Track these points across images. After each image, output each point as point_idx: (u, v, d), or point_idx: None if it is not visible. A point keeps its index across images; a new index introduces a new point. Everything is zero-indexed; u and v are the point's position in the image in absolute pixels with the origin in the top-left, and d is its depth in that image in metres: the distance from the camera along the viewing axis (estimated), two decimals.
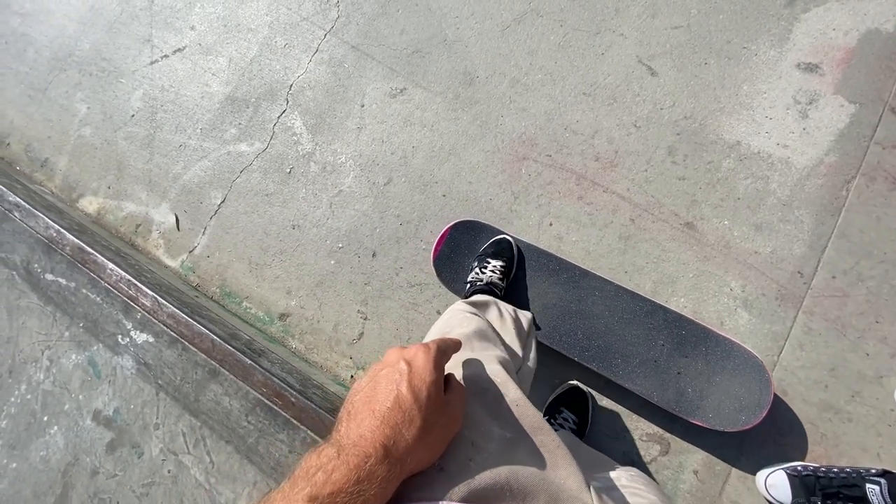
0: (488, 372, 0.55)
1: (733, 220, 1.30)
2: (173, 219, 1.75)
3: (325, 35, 1.78)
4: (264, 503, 0.33)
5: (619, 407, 1.26)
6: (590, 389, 1.27)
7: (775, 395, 1.18)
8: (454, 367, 0.56)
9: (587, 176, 1.42)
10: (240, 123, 1.78)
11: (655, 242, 1.33)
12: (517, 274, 1.30)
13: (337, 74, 1.73)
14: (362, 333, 1.50)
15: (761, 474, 1.13)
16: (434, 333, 0.72)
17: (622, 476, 0.66)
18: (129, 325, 1.14)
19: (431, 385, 0.40)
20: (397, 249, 1.53)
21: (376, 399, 0.38)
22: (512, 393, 0.52)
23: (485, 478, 0.42)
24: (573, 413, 1.21)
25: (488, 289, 1.20)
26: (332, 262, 1.56)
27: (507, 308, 0.91)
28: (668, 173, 1.37)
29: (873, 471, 1.02)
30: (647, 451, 1.22)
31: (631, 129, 1.42)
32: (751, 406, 1.10)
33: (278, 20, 1.85)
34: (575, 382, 1.28)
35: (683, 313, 1.21)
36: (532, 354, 0.86)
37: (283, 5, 1.86)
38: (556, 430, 1.12)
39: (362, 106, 1.67)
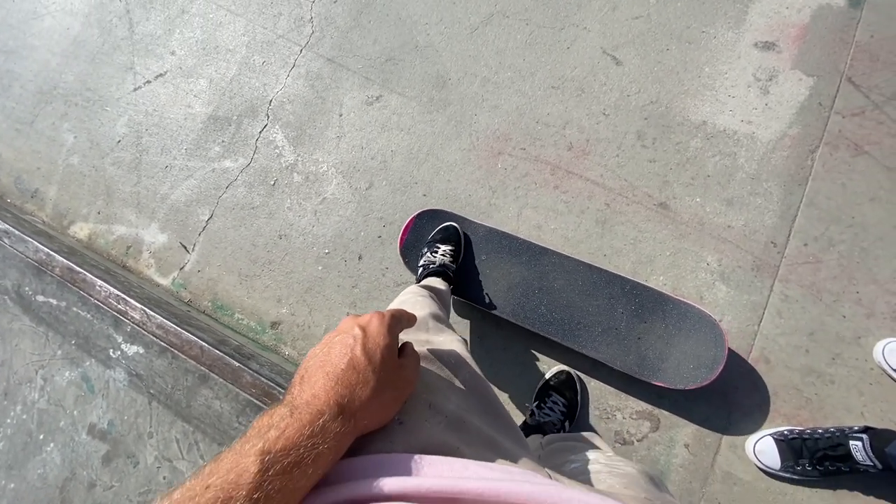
0: (446, 349, 0.57)
1: (705, 197, 1.34)
2: (163, 238, 1.78)
3: (301, 50, 1.83)
4: (215, 461, 0.32)
5: (608, 387, 1.28)
6: (578, 373, 1.29)
7: (759, 363, 1.20)
8: (417, 342, 0.57)
9: (561, 165, 1.46)
10: (223, 141, 1.82)
11: (631, 224, 1.36)
12: (481, 258, 1.34)
13: (314, 87, 1.78)
14: None
15: (750, 441, 1.14)
16: None
17: (601, 456, 0.68)
18: (120, 339, 1.16)
19: (385, 348, 0.40)
20: (382, 251, 1.55)
21: (330, 362, 0.39)
22: (463, 373, 0.55)
23: (437, 435, 0.44)
24: (562, 396, 1.23)
25: (442, 270, 1.24)
26: (320, 268, 1.59)
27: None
28: (638, 157, 1.40)
29: (856, 428, 1.03)
30: (638, 428, 1.24)
31: (600, 117, 1.46)
32: (708, 363, 1.14)
33: (255, 39, 1.91)
34: (563, 367, 1.30)
35: (646, 283, 1.24)
36: None
37: (259, 25, 1.92)
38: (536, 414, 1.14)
39: (340, 115, 1.72)
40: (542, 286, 1.29)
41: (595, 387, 1.29)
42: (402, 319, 0.46)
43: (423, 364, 0.52)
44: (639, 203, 1.37)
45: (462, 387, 0.54)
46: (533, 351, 1.34)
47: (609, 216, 1.39)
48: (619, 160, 1.42)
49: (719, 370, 1.12)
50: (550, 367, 1.32)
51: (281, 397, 0.37)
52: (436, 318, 0.70)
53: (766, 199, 1.30)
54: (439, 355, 0.57)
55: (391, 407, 0.41)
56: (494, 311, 1.29)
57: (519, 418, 1.30)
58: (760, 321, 1.23)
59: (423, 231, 1.41)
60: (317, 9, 1.86)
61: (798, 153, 1.31)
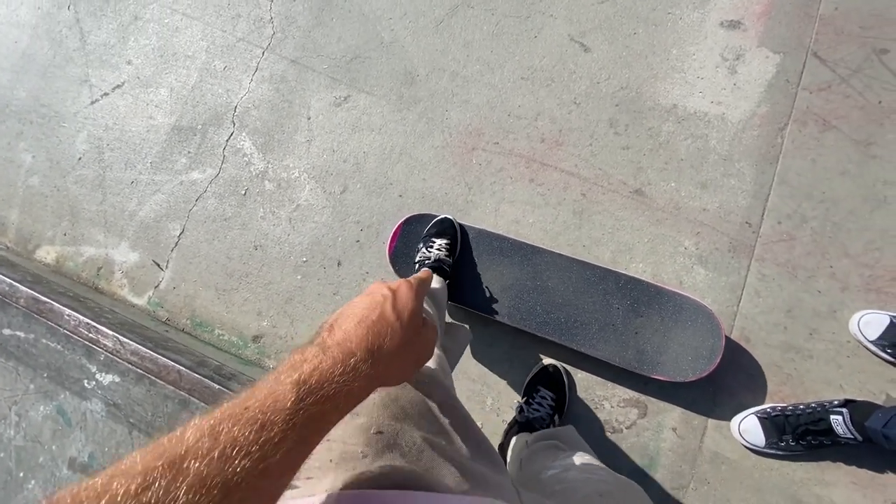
0: (425, 371, 0.57)
1: (679, 181, 1.34)
2: (134, 257, 1.73)
3: (263, 52, 1.77)
4: (250, 390, 0.32)
5: (595, 378, 1.29)
6: (564, 365, 1.29)
7: (740, 342, 1.22)
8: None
9: (535, 158, 1.44)
10: (189, 152, 1.76)
11: (608, 213, 1.36)
12: (473, 261, 1.32)
13: (280, 90, 1.72)
14: None
15: (734, 421, 1.16)
16: None
17: (580, 460, 0.68)
18: (94, 368, 1.13)
19: (412, 311, 0.43)
20: (361, 255, 1.53)
21: (362, 313, 0.41)
22: (437, 395, 0.54)
23: (402, 465, 0.44)
24: (550, 391, 1.23)
25: (437, 265, 1.22)
26: (299, 277, 1.56)
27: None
28: (612, 144, 1.40)
29: (836, 402, 1.06)
30: (626, 416, 1.25)
31: (571, 106, 1.45)
32: (706, 354, 1.14)
33: (214, 44, 1.84)
34: (549, 360, 1.30)
35: (636, 275, 1.24)
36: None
37: (217, 28, 1.85)
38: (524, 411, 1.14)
39: (309, 118, 1.67)
40: (537, 286, 1.27)
41: (582, 377, 1.30)
42: (426, 283, 0.48)
43: (393, 388, 0.52)
44: (614, 191, 1.37)
45: (436, 409, 0.54)
46: (520, 345, 1.34)
47: (586, 206, 1.38)
48: (592, 149, 1.41)
49: (718, 360, 1.13)
50: (538, 361, 1.32)
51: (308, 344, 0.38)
52: None
53: (739, 180, 1.30)
54: (416, 378, 0.57)
55: (410, 367, 0.44)
56: (492, 316, 1.28)
57: (509, 415, 1.31)
58: (739, 301, 1.24)
59: (411, 238, 1.39)
60: (276, 8, 1.80)
61: (768, 132, 1.31)
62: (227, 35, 1.83)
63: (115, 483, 0.24)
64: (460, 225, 1.35)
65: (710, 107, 1.36)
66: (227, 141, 1.73)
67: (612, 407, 1.26)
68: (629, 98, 1.41)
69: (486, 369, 1.35)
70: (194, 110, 1.80)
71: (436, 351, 0.66)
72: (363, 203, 1.56)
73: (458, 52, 1.58)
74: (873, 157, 1.24)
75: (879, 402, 1.10)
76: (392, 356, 0.39)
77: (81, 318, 1.16)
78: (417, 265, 1.26)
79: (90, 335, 1.14)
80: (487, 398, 1.33)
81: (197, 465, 0.26)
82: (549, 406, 1.21)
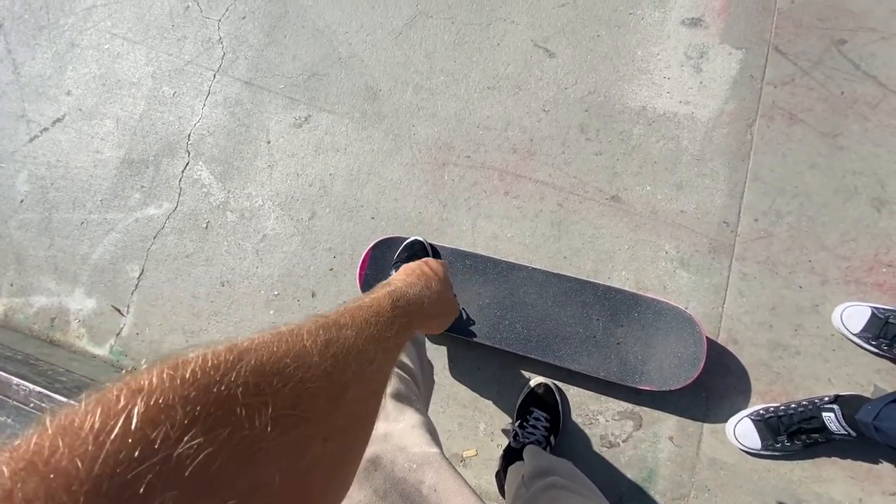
0: (402, 457, 0.53)
1: (654, 184, 1.32)
2: (91, 304, 1.61)
3: (215, 75, 1.68)
4: (348, 303, 0.38)
5: (587, 392, 1.26)
6: (555, 383, 1.26)
7: (727, 345, 1.21)
8: (373, 440, 0.53)
9: (508, 169, 1.40)
10: (142, 186, 1.65)
11: (587, 222, 1.33)
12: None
13: (235, 114, 1.63)
14: None
15: (729, 425, 1.15)
16: None
17: (557, 481, 0.65)
18: None
19: (444, 273, 0.59)
20: (336, 283, 1.46)
21: (405, 273, 0.55)
22: (430, 478, 0.51)
23: None
24: (544, 411, 1.20)
25: None
26: (272, 312, 1.48)
27: None
28: (584, 151, 1.37)
29: (826, 398, 1.05)
30: (622, 429, 1.22)
31: (541, 114, 1.41)
32: (689, 359, 1.13)
33: (160, 69, 1.73)
34: (540, 379, 1.26)
35: (613, 284, 1.22)
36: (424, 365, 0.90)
37: (163, 52, 1.74)
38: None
39: (269, 142, 1.59)
40: (515, 303, 1.24)
41: (574, 393, 1.26)
42: (442, 263, 0.63)
43: (380, 481, 0.49)
44: (591, 199, 1.34)
45: (428, 494, 0.49)
46: (508, 365, 1.30)
47: (563, 216, 1.35)
48: (565, 157, 1.37)
49: (701, 365, 1.11)
50: (527, 380, 1.29)
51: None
52: (396, 396, 0.63)
53: (714, 179, 1.29)
54: (402, 459, 0.52)
55: (448, 311, 0.59)
56: (471, 338, 1.23)
57: (503, 438, 1.26)
58: (724, 303, 1.23)
59: (381, 263, 1.33)
60: (225, 28, 1.70)
61: (737, 129, 1.31)
62: (173, 59, 1.72)
63: (304, 330, 0.28)
64: (431, 245, 1.30)
65: (679, 107, 1.35)
66: (182, 172, 1.63)
67: (606, 421, 1.23)
68: (598, 102, 1.39)
69: (475, 393, 1.30)
70: (144, 141, 1.69)
71: (417, 418, 0.61)
72: (334, 228, 1.49)
73: (420, 64, 1.52)
74: (840, 149, 1.25)
75: (867, 393, 1.11)
76: (438, 295, 0.52)
77: (32, 386, 1.06)
78: None
79: (42, 405, 1.04)
80: (480, 423, 1.29)
81: (347, 332, 0.31)
82: (543, 428, 1.17)
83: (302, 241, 1.50)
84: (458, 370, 1.32)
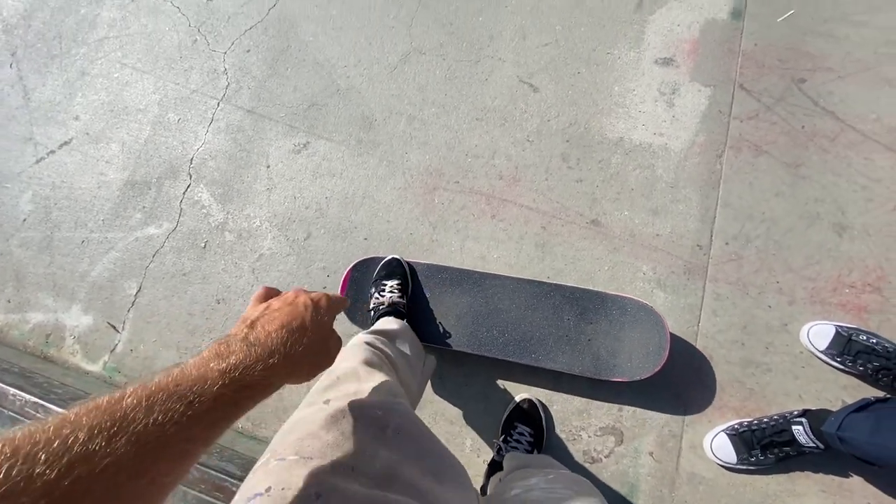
0: (369, 407, 0.59)
1: (632, 209, 1.40)
2: (87, 320, 1.64)
3: (219, 103, 1.77)
4: (180, 370, 0.36)
5: (569, 407, 1.30)
6: (539, 399, 1.30)
7: (702, 362, 1.26)
8: (340, 397, 0.60)
9: (495, 194, 1.48)
10: (144, 207, 1.72)
11: (569, 244, 1.41)
12: (425, 295, 1.34)
13: (237, 140, 1.72)
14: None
15: (706, 440, 1.19)
16: (324, 375, 0.74)
17: (541, 481, 0.69)
18: None
19: (326, 324, 0.49)
20: None
21: (284, 319, 0.45)
22: (394, 420, 0.57)
23: (361, 495, 0.46)
24: (528, 426, 1.23)
25: (393, 309, 1.22)
26: None
27: (406, 340, 1.03)
28: (566, 178, 1.45)
29: (795, 412, 1.10)
30: (604, 444, 1.26)
31: (525, 144, 1.50)
32: (655, 348, 1.20)
33: (167, 96, 1.82)
34: (524, 395, 1.30)
35: (578, 285, 1.31)
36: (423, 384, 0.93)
37: (170, 81, 1.83)
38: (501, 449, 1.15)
39: (268, 167, 1.67)
40: (490, 310, 1.30)
41: (558, 409, 1.30)
42: (341, 304, 0.54)
43: (347, 425, 0.54)
44: (572, 223, 1.42)
45: (393, 436, 0.56)
46: (494, 381, 1.34)
47: (547, 239, 1.42)
48: (548, 183, 1.46)
49: (666, 353, 1.18)
50: (513, 396, 1.33)
51: (232, 347, 0.42)
52: (367, 363, 0.73)
53: (687, 205, 1.38)
54: (369, 406, 0.59)
55: (315, 370, 0.48)
56: (451, 346, 1.28)
57: (490, 455, 1.29)
58: (699, 322, 1.30)
59: (362, 283, 1.38)
60: (230, 60, 1.81)
61: (707, 159, 1.40)
62: (180, 87, 1.82)
63: (64, 430, 0.28)
64: (408, 263, 1.37)
65: (654, 138, 1.44)
66: (183, 193, 1.70)
67: (589, 437, 1.27)
68: (578, 133, 1.49)
69: (462, 409, 1.34)
70: (148, 164, 1.76)
71: (386, 378, 0.69)
72: (328, 248, 1.55)
73: (413, 97, 1.62)
74: (803, 178, 1.34)
75: (835, 409, 1.16)
76: (303, 358, 0.44)
77: (28, 397, 1.08)
78: (372, 312, 1.25)
79: (37, 415, 1.06)
80: (467, 439, 1.32)
81: (135, 426, 0.30)
82: (527, 442, 1.21)
83: (297, 261, 1.56)
84: (445, 387, 1.36)
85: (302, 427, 0.54)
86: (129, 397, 0.32)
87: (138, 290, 1.63)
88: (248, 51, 1.80)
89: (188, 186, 1.70)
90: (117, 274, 1.66)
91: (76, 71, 1.94)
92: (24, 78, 1.99)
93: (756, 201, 1.35)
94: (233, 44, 1.82)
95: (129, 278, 1.65)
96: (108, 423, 0.29)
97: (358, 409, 0.57)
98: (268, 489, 0.45)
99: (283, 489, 0.45)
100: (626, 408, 1.28)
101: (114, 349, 1.60)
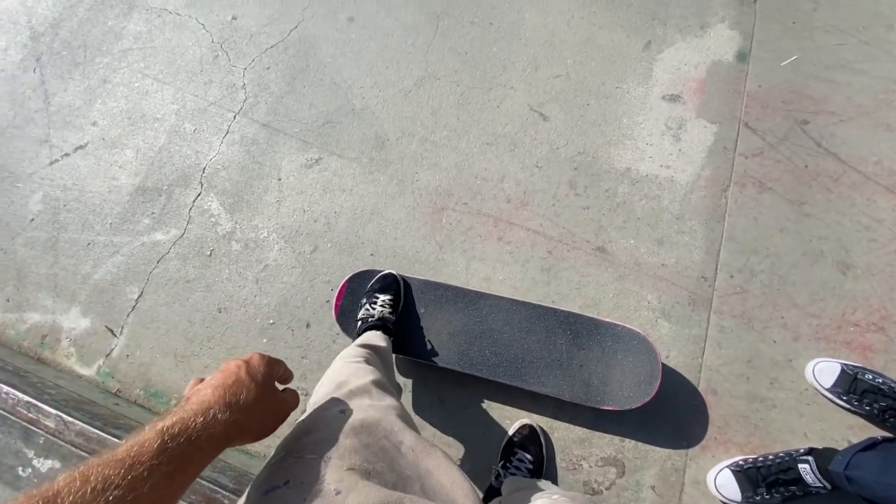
0: (385, 423, 0.60)
1: (637, 238, 1.41)
2: (85, 323, 1.62)
3: (235, 116, 1.81)
4: (121, 444, 0.37)
5: (570, 436, 1.27)
6: (540, 426, 1.28)
7: (707, 395, 1.25)
8: (358, 409, 0.62)
9: (503, 217, 1.50)
10: (153, 213, 1.73)
11: (574, 269, 1.41)
12: (418, 311, 1.33)
13: (251, 152, 1.75)
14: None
15: (710, 476, 1.16)
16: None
17: (542, 497, 0.68)
18: (31, 454, 1.01)
19: (265, 373, 0.49)
20: (332, 316, 1.50)
21: (217, 382, 0.46)
22: (409, 440, 0.58)
23: (376, 494, 0.46)
24: (527, 453, 1.21)
25: (381, 323, 1.22)
26: (265, 340, 1.50)
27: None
28: (573, 205, 1.47)
29: (802, 450, 1.08)
30: (605, 475, 1.23)
31: (534, 169, 1.53)
32: (647, 378, 1.19)
33: (185, 107, 1.86)
34: (525, 421, 1.28)
35: (573, 310, 1.31)
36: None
37: (189, 93, 1.88)
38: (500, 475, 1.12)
39: (279, 179, 1.69)
40: (483, 330, 1.30)
41: (559, 437, 1.28)
42: (280, 364, 0.54)
43: (366, 435, 0.56)
44: (578, 248, 1.43)
45: (408, 453, 0.57)
46: (495, 406, 1.32)
47: (552, 263, 1.43)
48: (555, 209, 1.48)
49: (657, 383, 1.17)
50: (513, 421, 1.30)
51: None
52: (378, 384, 0.74)
53: (692, 237, 1.39)
54: (386, 422, 0.60)
55: (270, 419, 0.49)
56: (437, 363, 1.27)
57: (486, 481, 1.26)
58: (703, 353, 1.29)
59: (358, 294, 1.38)
60: (249, 76, 1.86)
61: (713, 192, 1.43)
62: (198, 99, 1.86)
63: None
64: (403, 279, 1.37)
65: (660, 170, 1.47)
66: (193, 201, 1.71)
67: (590, 467, 1.24)
68: (586, 162, 1.52)
69: (461, 433, 1.31)
70: (160, 171, 1.78)
71: (397, 403, 0.71)
72: (334, 262, 1.55)
73: (426, 119, 1.66)
74: (807, 216, 1.36)
75: (841, 448, 1.14)
76: (250, 408, 0.45)
77: (21, 395, 1.06)
78: (360, 322, 1.25)
79: (29, 415, 1.03)
80: (465, 464, 1.29)
81: (70, 499, 0.30)
82: (526, 469, 1.18)
83: (302, 273, 1.56)
84: (445, 409, 1.34)
85: (320, 430, 0.55)
86: (61, 478, 0.32)
87: (140, 295, 1.62)
88: (268, 68, 1.85)
89: (199, 195, 1.72)
90: (120, 278, 1.66)
91: (98, 79, 1.99)
92: (46, 83, 2.03)
93: (761, 236, 1.36)
94: (253, 61, 1.88)
95: (131, 283, 1.64)
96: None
97: (375, 423, 0.59)
98: (286, 482, 0.46)
99: (301, 483, 0.46)
100: (629, 439, 1.25)
101: (109, 353, 1.58)
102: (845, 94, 1.48)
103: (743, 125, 1.49)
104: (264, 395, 0.47)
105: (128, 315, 1.61)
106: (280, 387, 0.53)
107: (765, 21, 1.59)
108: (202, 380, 0.49)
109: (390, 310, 1.27)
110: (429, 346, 1.30)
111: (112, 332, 1.60)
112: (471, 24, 1.77)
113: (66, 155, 1.89)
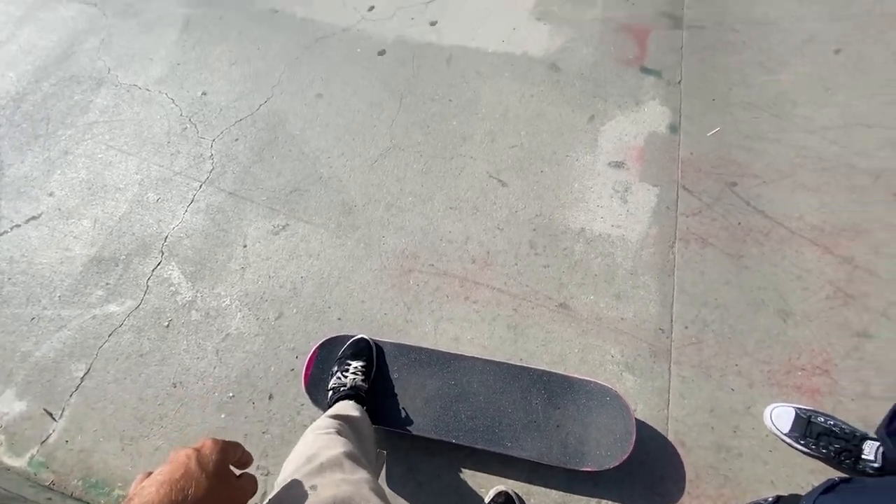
0: (358, 498, 0.58)
1: (597, 294, 1.48)
2: (20, 407, 1.48)
3: (201, 185, 1.83)
4: None
5: (547, 501, 1.23)
6: (515, 492, 1.24)
7: (677, 447, 1.26)
8: (329, 485, 0.59)
9: (468, 277, 1.54)
10: (107, 284, 1.66)
11: (539, 326, 1.45)
12: (391, 377, 1.31)
13: (216, 220, 1.75)
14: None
15: None
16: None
17: None
18: None
19: (218, 461, 0.46)
20: (297, 385, 1.44)
21: (164, 478, 0.42)
22: None
23: None
24: None
25: (354, 393, 1.19)
26: (223, 415, 1.42)
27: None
28: (534, 264, 1.54)
29: (770, 499, 1.10)
30: None
31: (496, 231, 1.61)
32: (623, 434, 1.20)
33: (149, 177, 1.87)
34: (500, 488, 1.24)
35: (545, 367, 1.32)
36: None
37: (155, 163, 1.90)
38: None
39: (245, 246, 1.69)
40: (458, 393, 1.29)
41: (535, 503, 1.24)
42: (236, 448, 0.50)
43: None
44: (542, 306, 1.48)
45: None
46: (468, 473, 1.28)
47: (518, 321, 1.46)
48: (518, 268, 1.54)
49: (633, 440, 1.17)
50: (488, 489, 1.26)
51: None
52: (350, 456, 0.72)
53: (646, 291, 1.47)
54: (359, 500, 0.59)
55: None
56: (412, 432, 1.23)
57: None
58: (668, 405, 1.32)
59: (329, 362, 1.35)
60: (217, 146, 1.91)
61: (661, 249, 1.54)
62: (164, 169, 1.88)
63: None
64: (376, 343, 1.36)
65: (612, 229, 1.58)
66: (152, 271, 1.67)
67: None
68: (544, 223, 1.61)
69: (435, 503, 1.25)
70: (119, 241, 1.74)
71: (370, 476, 0.69)
72: (300, 328, 1.52)
73: (391, 186, 1.74)
74: (746, 268, 1.48)
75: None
76: (199, 503, 0.42)
77: None
78: (332, 392, 1.22)
79: None
80: None
81: None
82: None
83: (266, 341, 1.51)
84: (416, 479, 1.28)
85: None
86: None
87: (86, 372, 1.52)
88: (237, 139, 1.91)
89: (158, 264, 1.68)
90: (65, 354, 1.55)
91: (59, 150, 1.98)
92: (1, 154, 2.00)
93: (708, 289, 1.46)
94: (222, 132, 1.93)
95: (77, 359, 1.54)
96: None
97: (348, 500, 0.58)
98: None
99: None
100: (604, 501, 1.23)
101: (45, 440, 1.43)
102: (764, 160, 1.67)
103: (681, 188, 1.64)
104: (217, 485, 0.45)
105: (71, 395, 1.49)
106: (237, 472, 0.50)
107: (689, 98, 1.81)
108: (150, 474, 0.45)
109: (363, 377, 1.24)
110: (403, 414, 1.27)
111: (51, 415, 1.47)
112: (431, 100, 1.92)
113: (17, 226, 1.82)
